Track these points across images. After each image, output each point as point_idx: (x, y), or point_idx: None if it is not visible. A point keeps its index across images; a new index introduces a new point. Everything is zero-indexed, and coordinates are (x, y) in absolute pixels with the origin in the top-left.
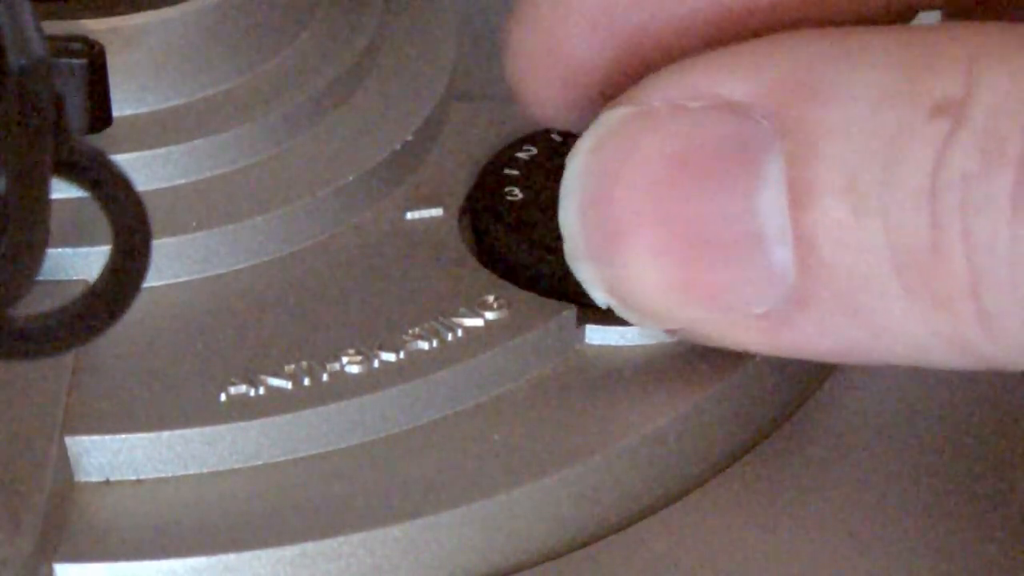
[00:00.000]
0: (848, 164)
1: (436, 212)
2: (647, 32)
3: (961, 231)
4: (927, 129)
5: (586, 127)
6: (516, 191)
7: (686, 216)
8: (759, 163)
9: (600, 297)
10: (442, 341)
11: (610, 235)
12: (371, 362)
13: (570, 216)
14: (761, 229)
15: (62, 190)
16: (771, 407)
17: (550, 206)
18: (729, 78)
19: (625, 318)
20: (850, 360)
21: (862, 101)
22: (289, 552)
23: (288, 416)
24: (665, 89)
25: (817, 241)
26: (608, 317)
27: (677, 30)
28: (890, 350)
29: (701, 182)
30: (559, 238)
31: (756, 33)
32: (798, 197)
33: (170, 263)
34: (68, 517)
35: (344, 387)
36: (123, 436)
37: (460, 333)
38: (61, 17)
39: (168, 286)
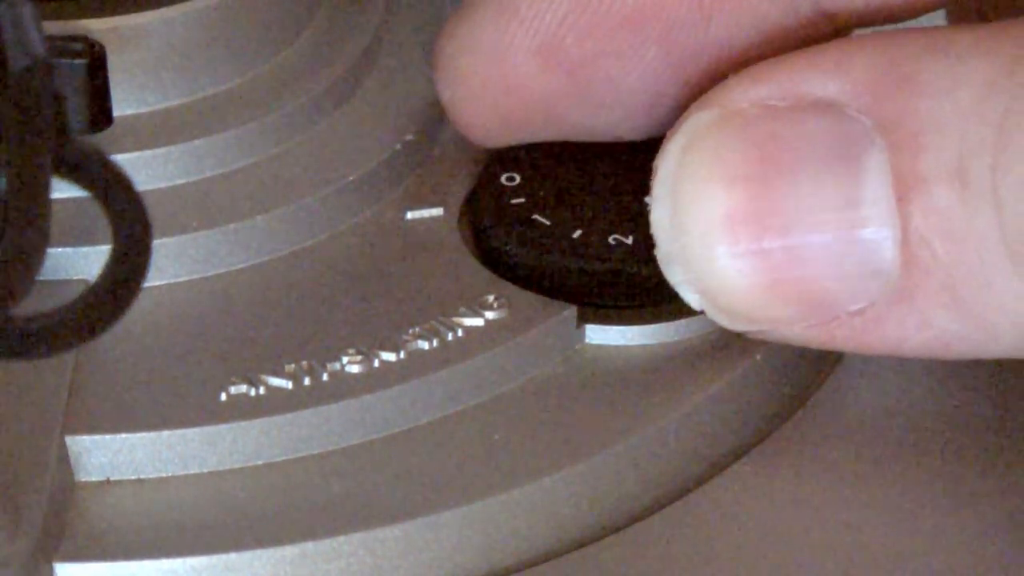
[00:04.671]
0: (956, 153)
1: (436, 212)
2: (595, 63)
3: None
4: None
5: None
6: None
7: (782, 216)
8: (859, 159)
9: (693, 299)
10: (442, 341)
11: (703, 238)
12: (371, 362)
13: (663, 219)
14: (864, 225)
15: (62, 190)
16: (771, 406)
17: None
18: (817, 76)
19: (716, 320)
20: (947, 355)
21: (965, 90)
22: (289, 552)
23: (288, 416)
24: (751, 90)
25: (925, 234)
26: (608, 317)
27: (625, 63)
28: (993, 340)
29: (797, 181)
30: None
31: (705, 65)
32: (905, 190)
33: (170, 263)
34: (68, 516)
35: (344, 387)
36: (123, 435)
37: (460, 333)
38: (62, 17)
39: (168, 286)
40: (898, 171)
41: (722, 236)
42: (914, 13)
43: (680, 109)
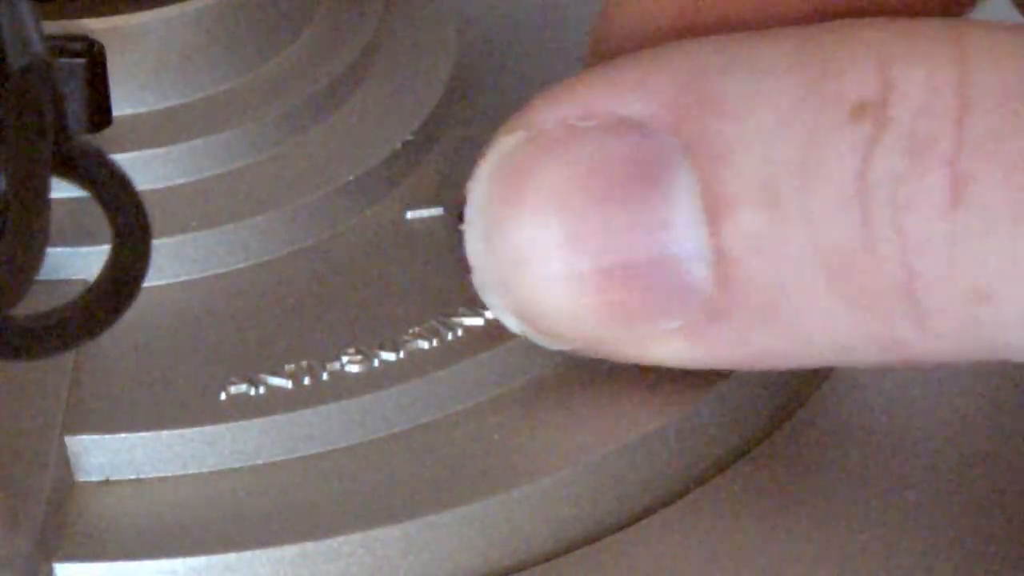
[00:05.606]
0: (763, 173)
1: (436, 212)
2: (736, 22)
3: (894, 229)
4: (848, 132)
5: None
6: None
7: (593, 239)
8: (667, 180)
9: (512, 324)
10: (442, 340)
11: (516, 262)
12: (371, 361)
13: (475, 245)
14: (674, 247)
15: (62, 189)
16: (771, 407)
17: None
18: (622, 94)
19: (538, 343)
20: (764, 367)
21: (770, 109)
22: (289, 552)
23: (288, 415)
24: (556, 110)
25: (736, 254)
26: None
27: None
28: (810, 354)
29: (607, 203)
30: None
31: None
32: (714, 211)
33: (170, 263)
34: (68, 517)
35: (344, 386)
36: (123, 435)
37: (460, 333)
38: (61, 17)
39: (168, 286)
40: (706, 191)
41: (535, 261)
42: None
43: None
